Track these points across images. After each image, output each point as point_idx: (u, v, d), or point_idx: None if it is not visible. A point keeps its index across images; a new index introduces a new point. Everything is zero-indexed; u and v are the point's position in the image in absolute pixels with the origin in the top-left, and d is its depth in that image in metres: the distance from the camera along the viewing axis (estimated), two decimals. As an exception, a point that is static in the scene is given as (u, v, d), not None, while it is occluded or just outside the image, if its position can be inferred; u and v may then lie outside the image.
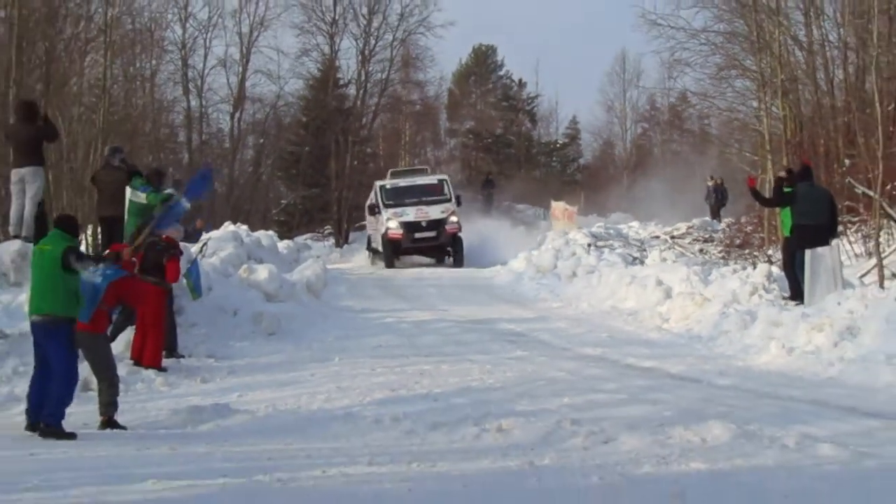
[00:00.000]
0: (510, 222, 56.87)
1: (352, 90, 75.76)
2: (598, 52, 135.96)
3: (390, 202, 48.39)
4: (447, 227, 46.99)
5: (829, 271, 24.89)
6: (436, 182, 51.38)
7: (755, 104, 48.16)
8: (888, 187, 35.39)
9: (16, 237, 23.85)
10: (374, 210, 49.18)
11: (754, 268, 31.27)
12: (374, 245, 51.63)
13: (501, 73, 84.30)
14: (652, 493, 11.35)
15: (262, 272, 27.24)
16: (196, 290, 23.11)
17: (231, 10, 70.41)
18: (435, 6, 74.21)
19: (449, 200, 48.50)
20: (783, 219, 26.25)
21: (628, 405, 16.63)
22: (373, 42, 74.94)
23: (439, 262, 49.36)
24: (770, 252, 36.52)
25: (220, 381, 20.19)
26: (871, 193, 34.58)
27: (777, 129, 43.23)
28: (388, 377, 19.83)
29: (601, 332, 26.34)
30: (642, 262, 37.90)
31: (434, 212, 47.23)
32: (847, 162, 39.52)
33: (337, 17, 74.26)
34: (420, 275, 42.49)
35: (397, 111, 76.80)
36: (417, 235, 47.04)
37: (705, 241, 47.11)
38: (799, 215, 25.12)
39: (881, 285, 27.06)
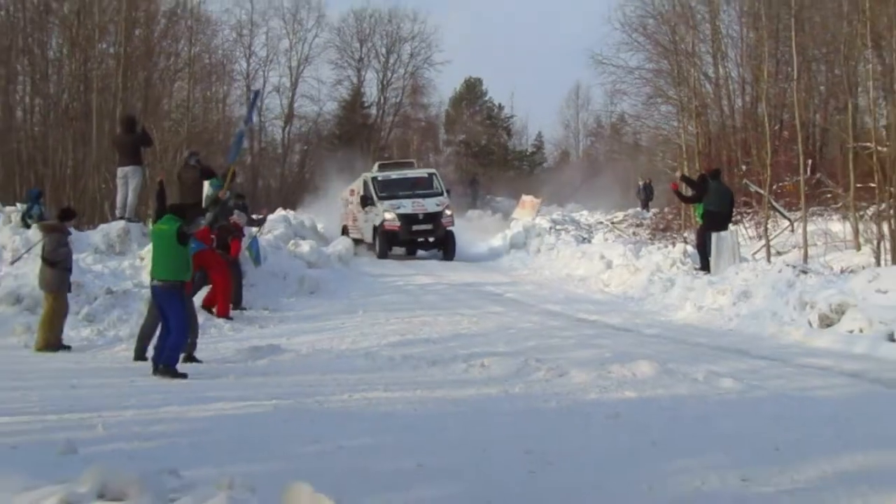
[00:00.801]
0: (490, 211, 56.28)
1: (373, 110, 76.41)
2: (558, 84, 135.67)
3: (384, 194, 37.82)
4: (443, 220, 37.01)
5: (729, 249, 24.96)
6: (426, 175, 40.96)
7: (675, 123, 48.29)
8: (774, 187, 35.58)
9: (121, 218, 24.03)
10: (368, 201, 38.35)
11: (674, 246, 31.32)
12: (355, 235, 39.86)
13: (486, 98, 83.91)
14: (596, 414, 11.36)
15: (305, 246, 27.31)
16: (256, 260, 23.34)
17: (283, 49, 70.52)
18: (436, 48, 74.88)
19: (441, 194, 38.38)
20: (697, 210, 26.25)
21: (578, 348, 16.66)
22: (389, 74, 76.02)
23: (410, 254, 38.80)
24: (685, 235, 36.59)
25: (273, 327, 20.18)
26: (762, 191, 34.74)
27: (691, 143, 43.26)
28: (399, 326, 19.83)
29: (559, 294, 26.42)
30: (590, 241, 37.89)
31: (430, 205, 37.06)
32: (744, 167, 39.76)
33: (363, 56, 75.43)
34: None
35: (407, 127, 76.98)
36: (414, 228, 36.75)
37: (637, 226, 47.00)
38: (709, 204, 25.34)
39: (768, 260, 27.15)
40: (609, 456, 9.45)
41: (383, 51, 75.51)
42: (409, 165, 44.31)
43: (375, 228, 37.42)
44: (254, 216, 24.36)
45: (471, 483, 8.50)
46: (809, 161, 37.07)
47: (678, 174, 33.37)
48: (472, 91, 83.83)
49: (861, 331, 16.86)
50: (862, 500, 7.81)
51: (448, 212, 37.49)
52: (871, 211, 32.01)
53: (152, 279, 14.93)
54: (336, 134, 73.36)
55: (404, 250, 39.14)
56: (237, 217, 21.50)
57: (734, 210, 28.87)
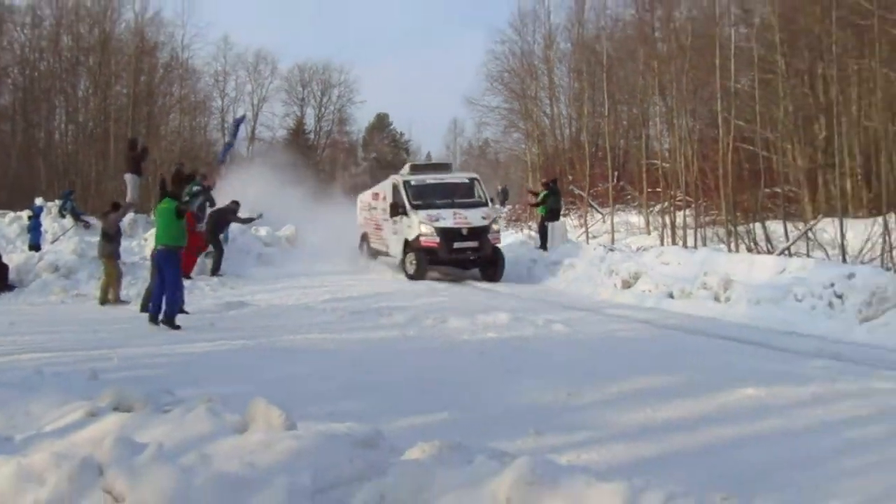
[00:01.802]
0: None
1: (312, 136, 75.78)
2: (442, 118, 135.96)
3: (418, 202, 22.83)
4: (490, 236, 22.35)
5: (560, 234, 25.21)
6: (466, 181, 24.62)
7: (523, 146, 48.75)
8: (591, 191, 36.02)
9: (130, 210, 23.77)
10: (398, 210, 23.23)
11: (522, 232, 31.56)
12: (377, 246, 25.87)
13: (391, 127, 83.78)
14: (467, 349, 11.41)
15: (262, 231, 26.93)
16: (225, 239, 23.10)
17: (248, 91, 69.69)
18: (356, 92, 75.10)
19: (486, 204, 23.43)
20: (541, 209, 26.19)
21: (456, 303, 16.67)
22: (323, 110, 75.74)
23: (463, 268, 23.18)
24: (530, 224, 36.89)
25: (240, 288, 19.86)
26: (583, 194, 35.20)
27: (535, 160, 43.61)
28: (330, 287, 19.65)
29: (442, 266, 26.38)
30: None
31: (474, 217, 22.36)
32: (570, 177, 40.12)
33: (304, 96, 75.11)
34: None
35: (336, 147, 76.51)
36: (457, 245, 22.05)
37: (496, 218, 47.32)
38: (552, 203, 25.35)
39: (587, 241, 27.50)
40: (477, 379, 9.50)
41: (319, 93, 75.25)
42: (446, 168, 27.47)
43: (408, 243, 22.88)
44: (245, 216, 23.92)
45: (380, 397, 8.53)
46: (616, 173, 37.67)
47: (530, 188, 33.71)
48: (381, 122, 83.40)
49: (650, 291, 17.11)
50: (651, 408, 7.93)
51: (495, 226, 23.08)
52: (657, 208, 32.65)
53: (156, 245, 14.64)
54: (285, 153, 73.36)
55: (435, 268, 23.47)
56: (190, 207, 21.15)
57: (564, 206, 29.34)
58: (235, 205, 23.42)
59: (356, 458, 4.73)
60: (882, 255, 20.04)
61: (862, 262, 18.87)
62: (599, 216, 36.13)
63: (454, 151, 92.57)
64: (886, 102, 24.50)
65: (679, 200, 30.08)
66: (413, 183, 23.45)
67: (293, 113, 75.54)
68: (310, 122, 76.58)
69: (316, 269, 23.59)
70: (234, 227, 24.26)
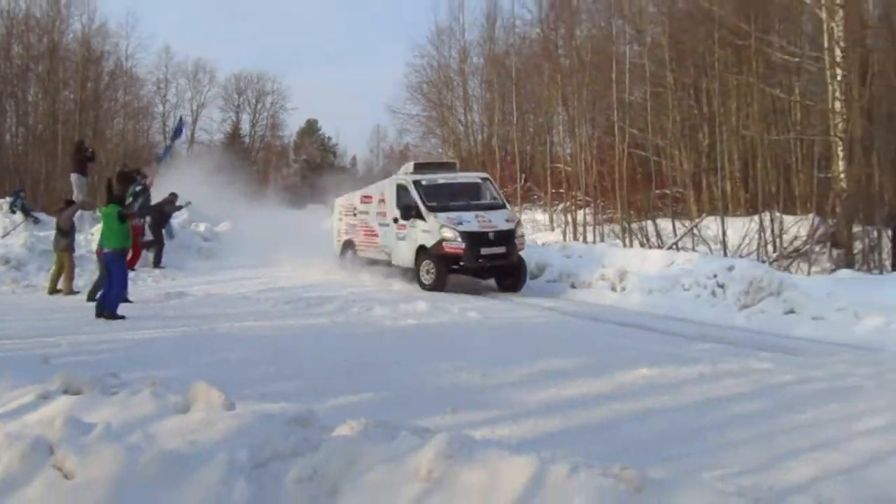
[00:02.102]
0: (323, 205, 55.47)
1: (247, 139, 75.01)
2: (366, 123, 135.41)
3: (433, 204, 17.95)
4: (517, 241, 17.64)
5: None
6: (479, 181, 19.80)
7: (440, 151, 48.72)
8: (501, 191, 36.08)
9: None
10: (410, 212, 18.23)
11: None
12: (370, 255, 20.36)
13: (320, 132, 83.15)
14: (391, 334, 11.44)
15: (202, 226, 26.49)
16: (169, 234, 22.76)
17: (188, 98, 68.53)
18: (288, 99, 74.48)
19: (504, 206, 18.74)
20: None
21: (379, 293, 16.63)
22: (257, 116, 74.93)
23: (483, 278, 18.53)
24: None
25: (181, 279, 19.50)
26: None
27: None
28: (264, 279, 19.34)
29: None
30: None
31: (498, 220, 17.70)
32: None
33: (240, 103, 74.21)
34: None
35: (269, 150, 75.68)
36: (484, 251, 17.17)
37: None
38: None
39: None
40: (399, 362, 9.49)
41: (253, 100, 74.23)
42: (451, 167, 22.54)
43: (423, 250, 17.94)
44: (178, 204, 23.60)
45: (309, 380, 8.48)
46: (523, 175, 37.97)
47: None
48: (311, 127, 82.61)
49: (555, 281, 17.29)
50: (556, 388, 8.02)
51: (520, 230, 18.50)
52: (560, 207, 32.97)
53: (102, 246, 14.29)
54: (222, 155, 72.31)
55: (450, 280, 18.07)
56: (132, 209, 20.76)
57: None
58: (173, 196, 23.19)
59: (290, 435, 4.70)
60: (758, 249, 20.64)
61: (740, 256, 19.39)
62: (509, 214, 36.43)
63: (377, 154, 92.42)
64: (761, 114, 25.26)
65: (580, 200, 30.45)
66: (424, 183, 18.71)
67: (230, 118, 74.60)
68: (245, 127, 75.72)
69: (251, 261, 23.32)
70: (175, 223, 23.96)
